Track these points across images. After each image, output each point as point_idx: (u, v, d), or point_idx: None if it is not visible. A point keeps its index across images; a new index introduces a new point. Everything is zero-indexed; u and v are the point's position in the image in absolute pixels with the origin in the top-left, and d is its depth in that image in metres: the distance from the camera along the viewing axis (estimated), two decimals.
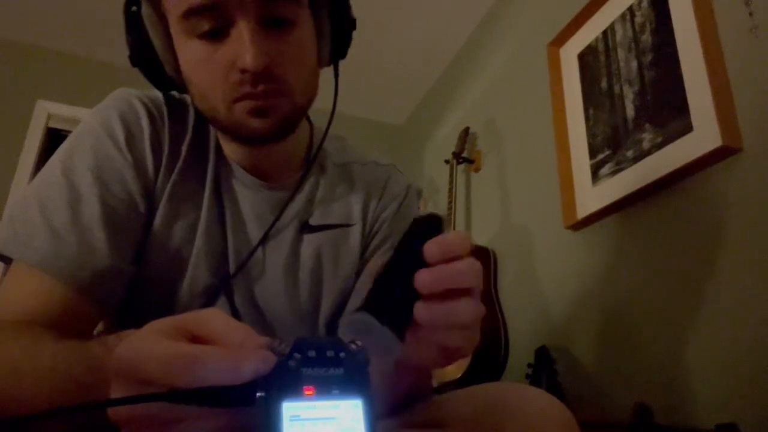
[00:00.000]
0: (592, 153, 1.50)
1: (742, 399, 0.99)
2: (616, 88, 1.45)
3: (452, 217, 2.00)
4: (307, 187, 0.70)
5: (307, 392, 0.29)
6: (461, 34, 2.51)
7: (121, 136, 0.60)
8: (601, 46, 1.55)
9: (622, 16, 1.47)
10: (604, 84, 1.51)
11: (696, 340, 1.11)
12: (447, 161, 2.18)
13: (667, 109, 1.27)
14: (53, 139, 2.56)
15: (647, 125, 1.32)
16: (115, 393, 0.31)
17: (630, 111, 1.39)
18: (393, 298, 0.37)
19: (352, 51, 0.67)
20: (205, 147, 0.66)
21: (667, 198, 1.25)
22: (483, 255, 1.90)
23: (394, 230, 0.72)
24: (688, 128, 1.19)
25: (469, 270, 0.38)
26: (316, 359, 0.30)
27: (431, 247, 0.38)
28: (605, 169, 1.44)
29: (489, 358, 1.68)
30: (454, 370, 1.64)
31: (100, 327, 0.63)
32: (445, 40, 2.55)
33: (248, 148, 0.65)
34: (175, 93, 0.66)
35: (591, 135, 1.52)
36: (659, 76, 1.31)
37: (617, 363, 1.31)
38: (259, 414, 0.29)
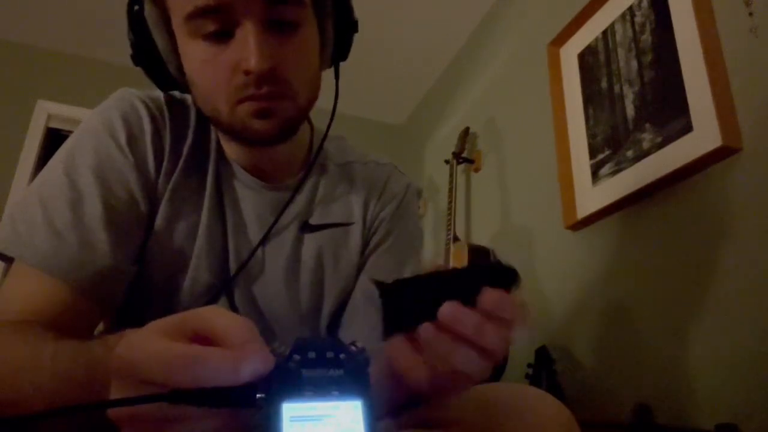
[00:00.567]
0: (592, 153, 1.50)
1: (742, 399, 0.99)
2: (616, 88, 1.45)
3: (452, 217, 2.00)
4: (307, 187, 0.70)
5: (307, 393, 0.29)
6: (461, 34, 2.51)
7: (122, 137, 0.60)
8: (601, 46, 1.55)
9: (622, 16, 1.47)
10: (604, 84, 1.51)
11: (696, 340, 1.11)
12: (447, 161, 2.18)
13: (667, 109, 1.27)
14: (53, 139, 2.56)
15: (647, 125, 1.32)
16: (116, 393, 0.31)
17: (630, 111, 1.39)
18: (414, 302, 0.37)
19: (353, 51, 0.67)
20: (206, 147, 0.66)
21: (667, 198, 1.25)
22: (483, 255, 1.89)
23: (393, 229, 0.72)
24: (688, 128, 1.19)
25: (499, 337, 0.36)
26: (316, 360, 0.30)
27: (491, 296, 0.36)
28: (605, 169, 1.44)
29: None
30: None
31: (100, 327, 0.63)
32: (445, 40, 2.55)
33: (250, 149, 0.65)
34: (176, 93, 0.66)
35: (591, 135, 1.52)
36: (659, 76, 1.31)
37: (617, 363, 1.31)
38: (259, 415, 0.29)
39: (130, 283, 0.59)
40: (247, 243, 0.65)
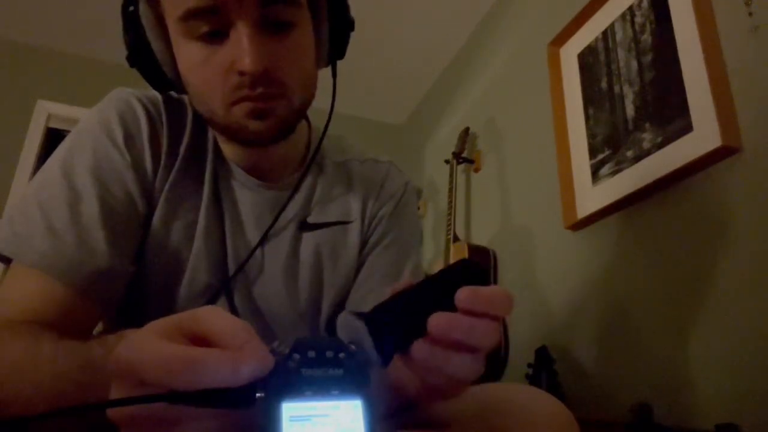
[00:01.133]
0: (592, 153, 1.50)
1: (742, 399, 0.99)
2: (616, 88, 1.45)
3: (452, 217, 2.00)
4: (305, 186, 0.70)
5: (306, 393, 0.29)
6: (461, 34, 2.51)
7: (119, 136, 0.60)
8: (601, 46, 1.55)
9: (622, 16, 1.47)
10: (604, 84, 1.51)
11: (696, 340, 1.11)
12: (447, 161, 2.18)
13: (667, 109, 1.27)
14: (53, 139, 2.56)
15: (647, 125, 1.32)
16: (115, 393, 0.31)
17: (630, 111, 1.39)
18: (399, 322, 0.36)
19: (352, 51, 0.66)
20: (203, 147, 0.66)
21: (667, 198, 1.25)
22: (483, 255, 1.89)
23: (392, 227, 0.72)
24: (688, 128, 1.19)
25: (486, 331, 0.36)
26: (315, 360, 0.30)
27: (465, 293, 0.36)
28: (605, 169, 1.44)
29: (489, 358, 1.68)
30: None
31: (99, 327, 0.63)
32: (445, 40, 2.55)
33: (246, 149, 0.65)
34: (173, 93, 0.66)
35: (591, 135, 1.52)
36: (659, 76, 1.31)
37: (617, 363, 1.31)
38: (258, 414, 0.29)
39: (128, 284, 0.59)
40: (245, 243, 0.65)
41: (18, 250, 0.53)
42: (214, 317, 0.32)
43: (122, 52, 0.60)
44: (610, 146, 1.44)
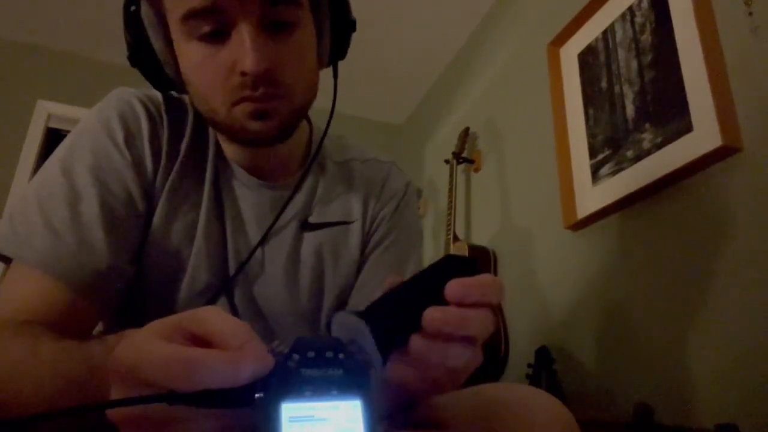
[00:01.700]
0: (592, 153, 1.50)
1: (742, 399, 0.99)
2: (616, 88, 1.45)
3: (452, 217, 2.00)
4: (306, 185, 0.70)
5: (306, 393, 0.29)
6: (461, 34, 2.51)
7: (120, 136, 0.60)
8: (601, 46, 1.55)
9: (622, 16, 1.47)
10: (604, 84, 1.51)
11: (696, 340, 1.11)
12: (447, 161, 2.18)
13: (667, 109, 1.27)
14: (53, 139, 2.56)
15: (647, 125, 1.32)
16: (115, 393, 0.31)
17: (630, 111, 1.39)
18: (394, 319, 0.36)
19: (353, 51, 0.66)
20: (204, 147, 0.66)
21: (667, 198, 1.25)
22: (483, 255, 1.90)
23: (393, 227, 0.72)
24: (688, 128, 1.19)
25: (480, 320, 0.36)
26: (315, 360, 0.30)
27: (454, 286, 0.36)
28: (605, 169, 1.44)
29: (489, 358, 1.68)
30: None
31: (99, 327, 0.63)
32: (445, 40, 2.55)
33: (248, 149, 0.65)
34: (174, 93, 0.66)
35: (591, 135, 1.52)
36: (659, 76, 1.31)
37: (617, 363, 1.31)
38: (258, 415, 0.29)
39: (129, 283, 0.59)
40: (246, 242, 0.65)
41: (18, 249, 0.53)
42: (214, 317, 0.32)
43: (123, 52, 0.60)
44: (610, 146, 1.44)
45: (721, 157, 1.11)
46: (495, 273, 1.88)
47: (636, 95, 1.38)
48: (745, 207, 1.06)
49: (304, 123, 0.72)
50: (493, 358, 1.69)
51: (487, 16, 2.37)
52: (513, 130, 2.00)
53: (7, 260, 0.55)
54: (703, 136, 1.14)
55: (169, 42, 0.58)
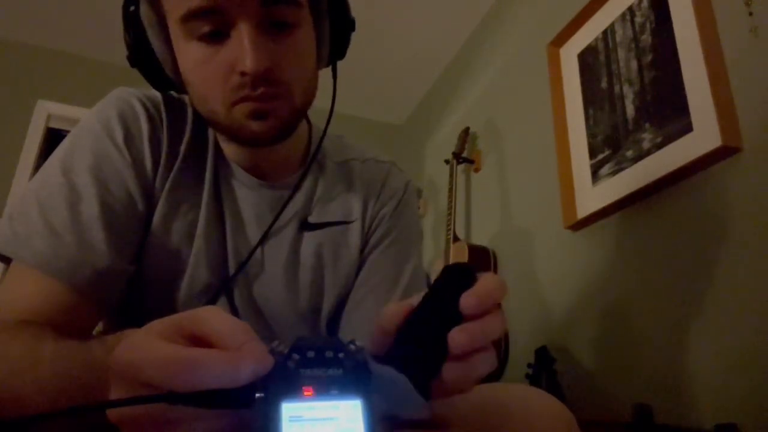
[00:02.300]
0: (592, 153, 1.50)
1: (742, 399, 0.99)
2: (616, 88, 1.45)
3: (452, 217, 2.00)
4: (306, 185, 0.70)
5: (306, 393, 0.29)
6: (461, 34, 2.51)
7: (119, 136, 0.60)
8: (601, 46, 1.55)
9: (622, 16, 1.47)
10: (604, 84, 1.51)
11: (696, 340, 1.11)
12: (447, 161, 2.18)
13: (667, 109, 1.27)
14: (53, 139, 2.56)
15: (647, 125, 1.32)
16: (115, 393, 0.31)
17: (630, 111, 1.39)
18: (422, 354, 0.36)
19: (353, 51, 0.66)
20: (203, 147, 0.66)
21: (667, 198, 1.25)
22: (483, 255, 1.89)
23: (393, 227, 0.72)
24: (688, 128, 1.19)
25: (497, 326, 0.37)
26: (315, 359, 0.30)
27: (469, 301, 0.36)
28: (605, 169, 1.44)
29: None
30: None
31: (99, 327, 0.63)
32: (445, 40, 2.55)
33: (247, 149, 0.65)
34: (173, 93, 0.65)
35: (591, 135, 1.52)
36: (659, 76, 1.31)
37: (617, 363, 1.31)
38: (258, 415, 0.29)
39: (128, 283, 0.59)
40: (245, 242, 0.65)
41: (18, 249, 0.53)
42: (214, 317, 0.32)
43: (123, 52, 0.60)
44: (610, 146, 1.44)
45: (721, 157, 1.11)
46: (495, 273, 1.88)
47: (636, 95, 1.38)
48: (745, 207, 1.06)
49: (304, 123, 0.72)
50: None
51: (487, 16, 2.37)
52: (513, 130, 2.00)
53: (7, 260, 0.55)
54: (703, 136, 1.14)
55: (168, 42, 0.58)
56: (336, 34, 0.64)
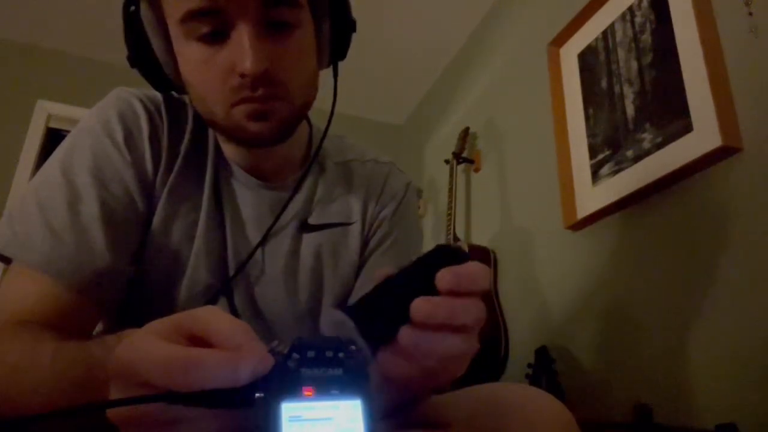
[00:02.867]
0: (592, 153, 1.50)
1: (742, 399, 0.99)
2: (616, 88, 1.45)
3: (452, 217, 2.00)
4: (306, 186, 0.70)
5: (306, 393, 0.29)
6: (461, 34, 2.51)
7: (119, 136, 0.60)
8: (601, 46, 1.55)
9: (622, 16, 1.47)
10: (604, 84, 1.51)
11: (696, 340, 1.11)
12: (447, 161, 2.18)
13: (667, 109, 1.27)
14: (53, 139, 2.56)
15: (647, 125, 1.32)
16: (114, 393, 0.31)
17: (630, 111, 1.39)
18: (382, 312, 0.36)
19: (352, 51, 0.66)
20: (203, 147, 0.66)
21: (667, 198, 1.25)
22: (483, 255, 1.89)
23: (393, 228, 0.72)
24: (688, 128, 1.19)
25: (471, 310, 0.36)
26: (314, 359, 0.30)
27: (445, 275, 0.36)
28: (605, 169, 1.44)
29: (489, 358, 1.68)
30: None
31: (99, 327, 0.63)
32: (445, 40, 2.55)
33: (247, 150, 0.65)
34: (174, 93, 0.65)
35: (591, 135, 1.52)
36: (659, 76, 1.31)
37: (617, 363, 1.31)
38: (258, 415, 0.29)
39: (128, 284, 0.59)
40: (245, 243, 0.65)
41: (18, 250, 0.53)
42: (213, 317, 0.32)
43: (123, 52, 0.60)
44: (610, 146, 1.44)
45: (721, 157, 1.11)
46: (495, 273, 1.88)
47: (636, 95, 1.38)
48: (745, 207, 1.06)
49: (304, 123, 0.72)
50: (493, 358, 1.69)
51: (487, 16, 2.37)
52: (513, 130, 2.00)
53: (7, 260, 0.55)
54: (703, 136, 1.14)
55: (168, 42, 0.58)
56: (337, 34, 0.64)
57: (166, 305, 0.62)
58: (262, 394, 0.29)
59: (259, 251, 0.65)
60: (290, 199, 0.67)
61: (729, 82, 1.13)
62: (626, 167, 1.36)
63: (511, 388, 0.52)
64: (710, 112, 1.13)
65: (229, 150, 0.67)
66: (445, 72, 2.72)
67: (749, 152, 1.07)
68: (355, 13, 0.65)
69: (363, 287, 0.69)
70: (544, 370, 1.40)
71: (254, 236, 0.66)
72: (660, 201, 1.27)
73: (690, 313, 1.14)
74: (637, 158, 1.33)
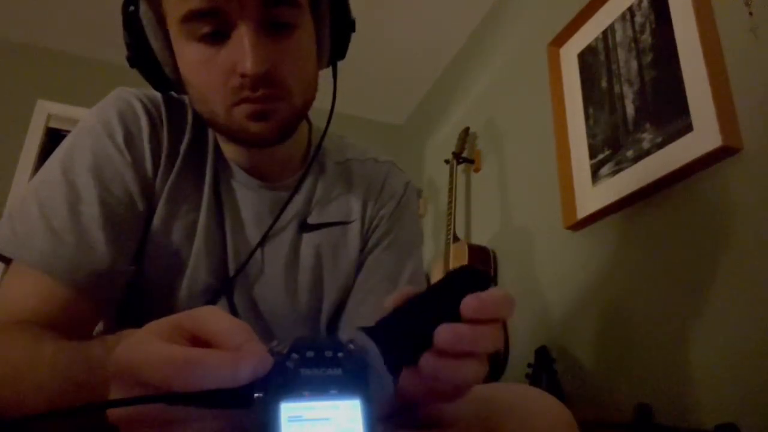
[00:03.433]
0: (592, 153, 1.50)
1: (742, 399, 0.99)
2: (616, 88, 1.45)
3: (452, 216, 2.00)
4: (306, 186, 0.70)
5: (305, 393, 0.29)
6: (461, 34, 2.51)
7: (120, 136, 0.60)
8: (601, 46, 1.55)
9: (622, 16, 1.47)
10: (604, 84, 1.51)
11: (696, 340, 1.11)
12: (447, 161, 2.18)
13: (667, 109, 1.27)
14: (53, 139, 2.56)
15: (647, 125, 1.32)
16: (114, 394, 0.31)
17: (630, 111, 1.39)
18: (405, 336, 0.36)
19: (353, 51, 0.66)
20: (203, 147, 0.66)
21: (667, 198, 1.25)
22: (483, 255, 1.89)
23: (392, 227, 0.72)
24: (688, 128, 1.19)
25: (491, 338, 0.36)
26: (314, 359, 0.30)
27: (471, 302, 0.35)
28: (605, 169, 1.44)
29: (489, 358, 1.68)
30: None
31: (99, 327, 0.63)
32: (445, 40, 2.55)
33: (247, 150, 0.65)
34: (173, 93, 0.65)
35: (591, 135, 1.52)
36: (659, 76, 1.31)
37: (617, 363, 1.31)
38: (257, 415, 0.29)
39: (128, 284, 0.59)
40: (245, 243, 0.65)
41: (18, 249, 0.53)
42: (213, 317, 0.32)
43: (123, 52, 0.60)
44: (610, 146, 1.44)
45: (721, 157, 1.11)
46: (495, 273, 1.88)
47: (636, 95, 1.38)
48: (745, 207, 1.06)
49: (304, 123, 0.72)
50: (493, 358, 1.69)
51: (487, 16, 2.37)
52: (513, 130, 2.00)
53: (7, 260, 0.55)
54: (703, 136, 1.14)
55: (168, 42, 0.58)
56: (336, 34, 0.64)
57: (166, 305, 0.62)
58: (261, 394, 0.29)
59: (258, 251, 0.65)
60: (290, 199, 0.67)
61: (729, 82, 1.13)
62: (626, 167, 1.36)
63: (511, 388, 0.52)
64: (710, 112, 1.13)
65: (228, 150, 0.67)
66: (445, 72, 2.72)
67: (749, 152, 1.07)
68: (355, 13, 0.65)
69: (362, 285, 0.69)
70: (544, 370, 1.40)
71: (254, 236, 0.66)
72: (660, 201, 1.27)
73: (690, 313, 1.14)
74: (637, 158, 1.33)
